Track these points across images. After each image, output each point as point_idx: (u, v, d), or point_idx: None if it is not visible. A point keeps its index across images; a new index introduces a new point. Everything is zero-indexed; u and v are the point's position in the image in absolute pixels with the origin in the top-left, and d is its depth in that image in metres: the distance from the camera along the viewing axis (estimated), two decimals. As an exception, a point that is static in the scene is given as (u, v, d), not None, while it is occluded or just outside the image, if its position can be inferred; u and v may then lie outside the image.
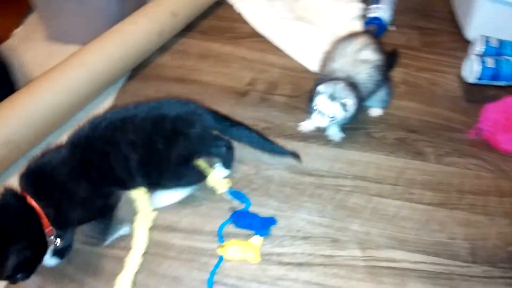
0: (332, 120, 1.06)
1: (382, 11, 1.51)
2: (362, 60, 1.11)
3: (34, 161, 0.85)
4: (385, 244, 0.95)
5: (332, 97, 1.03)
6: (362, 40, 1.14)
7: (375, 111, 1.24)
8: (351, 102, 1.03)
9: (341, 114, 1.05)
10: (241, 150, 1.10)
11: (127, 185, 0.94)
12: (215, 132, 1.02)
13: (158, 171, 0.92)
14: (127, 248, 0.91)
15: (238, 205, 1.00)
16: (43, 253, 0.81)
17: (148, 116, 0.91)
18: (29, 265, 0.79)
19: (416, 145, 1.17)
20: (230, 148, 1.05)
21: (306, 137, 1.16)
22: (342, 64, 1.11)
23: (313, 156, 1.12)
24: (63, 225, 0.83)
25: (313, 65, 1.37)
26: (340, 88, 1.03)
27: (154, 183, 0.95)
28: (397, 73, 1.32)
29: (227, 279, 0.88)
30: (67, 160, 0.85)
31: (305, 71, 1.36)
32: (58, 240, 0.83)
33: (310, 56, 1.40)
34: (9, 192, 0.80)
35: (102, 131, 0.88)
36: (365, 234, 0.97)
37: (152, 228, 0.95)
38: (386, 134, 1.19)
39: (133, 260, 0.88)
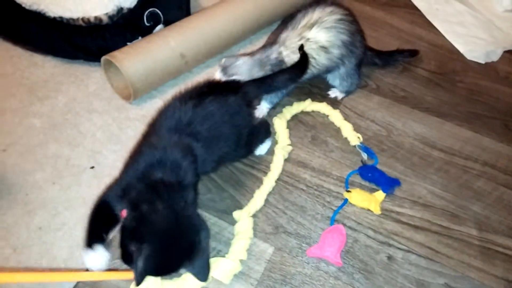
0: None
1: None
2: (307, 38, 1.06)
3: None
4: (504, 232, 0.97)
5: (225, 72, 1.02)
6: (325, 15, 1.07)
7: (334, 93, 1.21)
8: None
9: None
10: (376, 111, 1.17)
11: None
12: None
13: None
14: (264, 171, 1.03)
15: (366, 160, 1.07)
16: None
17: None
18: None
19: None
20: None
21: (442, 114, 1.18)
22: (288, 36, 1.07)
23: (447, 134, 1.14)
24: None
25: (463, 47, 1.35)
26: (238, 65, 1.02)
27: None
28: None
29: (347, 221, 0.97)
30: None
31: (454, 51, 1.36)
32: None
33: (462, 38, 1.38)
34: None
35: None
36: (484, 218, 0.99)
37: (287, 160, 1.06)
38: (526, 131, 1.17)
39: (269, 182, 1.01)
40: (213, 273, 0.84)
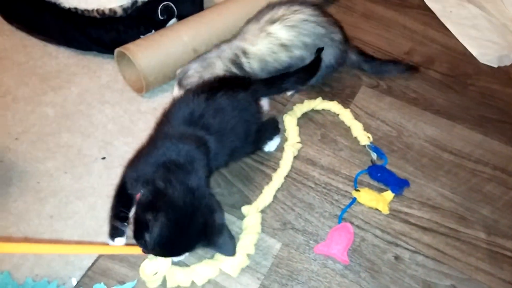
0: None
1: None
2: (268, 32, 1.04)
3: None
4: (513, 237, 0.97)
5: (180, 84, 1.03)
6: (289, 13, 1.04)
7: None
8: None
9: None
10: (386, 111, 1.17)
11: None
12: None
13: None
14: (273, 167, 1.03)
15: (376, 160, 1.07)
16: None
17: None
18: None
19: None
20: None
21: (453, 117, 1.18)
22: (249, 29, 1.05)
23: (457, 137, 1.14)
24: None
25: (476, 51, 1.35)
26: (189, 75, 1.01)
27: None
28: None
29: (354, 220, 0.97)
30: None
31: (466, 54, 1.35)
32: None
33: (475, 41, 1.37)
34: None
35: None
36: (493, 221, 0.99)
37: (296, 157, 1.06)
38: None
39: (278, 179, 1.01)
40: (221, 265, 0.85)
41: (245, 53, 1.05)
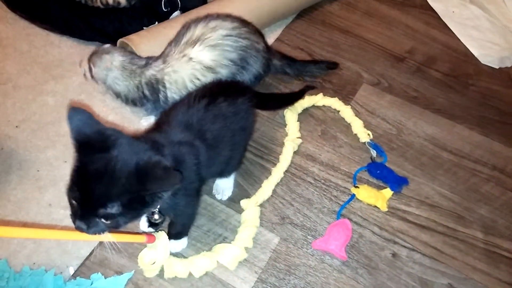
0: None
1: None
2: (190, 57, 0.96)
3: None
4: (510, 237, 0.97)
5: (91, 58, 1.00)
6: (208, 31, 0.96)
7: None
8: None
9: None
10: (387, 109, 1.17)
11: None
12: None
13: None
14: (273, 162, 1.03)
15: (375, 157, 1.07)
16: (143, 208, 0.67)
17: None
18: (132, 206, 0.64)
19: None
20: None
21: (453, 116, 1.18)
22: (170, 52, 0.97)
23: (457, 136, 1.14)
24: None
25: (477, 51, 1.35)
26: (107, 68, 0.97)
27: None
28: None
29: (353, 216, 0.97)
30: None
31: (468, 54, 1.35)
32: (156, 215, 0.78)
33: (477, 42, 1.37)
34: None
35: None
36: (491, 221, 1.00)
37: (296, 153, 1.06)
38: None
39: (277, 173, 1.01)
40: (219, 258, 0.85)
41: (165, 79, 0.98)
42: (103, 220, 0.60)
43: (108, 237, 0.66)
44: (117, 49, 1.00)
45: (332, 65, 1.25)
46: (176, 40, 0.99)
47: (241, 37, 1.00)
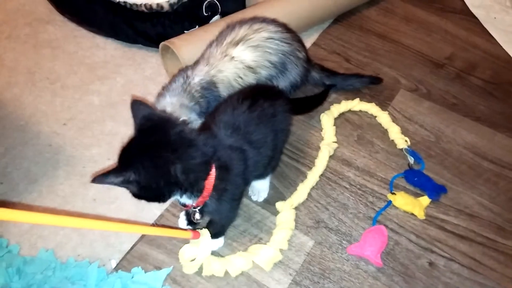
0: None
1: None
2: (232, 57, 0.96)
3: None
4: (553, 251, 0.95)
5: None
6: (251, 33, 0.97)
7: None
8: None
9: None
10: (425, 116, 1.15)
11: None
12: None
13: None
14: (309, 166, 1.04)
15: (413, 164, 1.06)
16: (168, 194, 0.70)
17: None
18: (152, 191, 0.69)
19: None
20: None
21: (494, 125, 1.16)
22: (212, 53, 0.97)
23: (498, 145, 1.12)
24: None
25: (521, 58, 1.32)
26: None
27: None
28: None
29: (389, 223, 0.97)
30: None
31: (510, 62, 1.32)
32: (197, 214, 0.79)
33: (520, 48, 1.34)
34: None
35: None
36: (533, 234, 0.97)
37: (332, 157, 1.06)
38: None
39: (313, 177, 1.01)
40: (254, 258, 0.87)
41: (212, 82, 0.98)
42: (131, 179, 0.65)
43: (154, 230, 0.69)
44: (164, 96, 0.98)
45: (376, 81, 1.22)
46: (218, 41, 1.01)
47: (283, 41, 1.01)
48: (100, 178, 0.62)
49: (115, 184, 0.64)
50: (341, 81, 1.19)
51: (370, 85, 1.22)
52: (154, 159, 0.65)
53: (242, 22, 1.01)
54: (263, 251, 0.87)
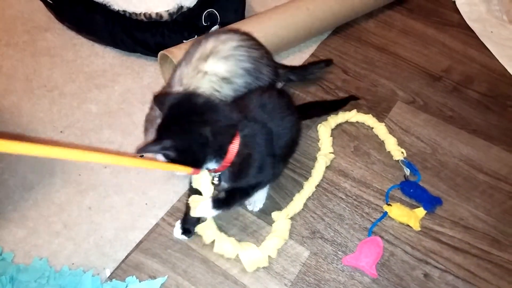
0: None
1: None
2: (205, 72, 0.94)
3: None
4: (548, 264, 0.95)
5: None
6: (219, 44, 0.96)
7: None
8: None
9: None
10: (422, 128, 1.16)
11: None
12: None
13: None
14: (305, 176, 1.04)
15: (409, 175, 1.06)
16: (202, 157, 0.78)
17: None
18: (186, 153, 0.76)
19: None
20: None
21: (490, 138, 1.16)
22: (183, 73, 0.96)
23: (494, 158, 1.12)
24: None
25: (517, 72, 1.33)
26: None
27: None
28: None
29: (384, 234, 0.97)
30: None
31: (506, 75, 1.33)
32: (216, 179, 0.84)
33: (516, 62, 1.35)
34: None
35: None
36: (528, 247, 0.97)
37: (328, 168, 1.07)
38: None
39: (309, 187, 1.02)
40: (241, 253, 0.88)
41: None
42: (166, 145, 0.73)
43: (156, 165, 0.75)
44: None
45: (328, 62, 1.30)
46: (186, 60, 0.98)
47: (252, 47, 1.01)
48: (142, 148, 0.71)
49: (156, 151, 0.75)
50: (301, 72, 1.26)
51: (325, 68, 1.29)
52: (186, 125, 0.75)
53: (207, 36, 0.99)
54: (250, 250, 0.88)
